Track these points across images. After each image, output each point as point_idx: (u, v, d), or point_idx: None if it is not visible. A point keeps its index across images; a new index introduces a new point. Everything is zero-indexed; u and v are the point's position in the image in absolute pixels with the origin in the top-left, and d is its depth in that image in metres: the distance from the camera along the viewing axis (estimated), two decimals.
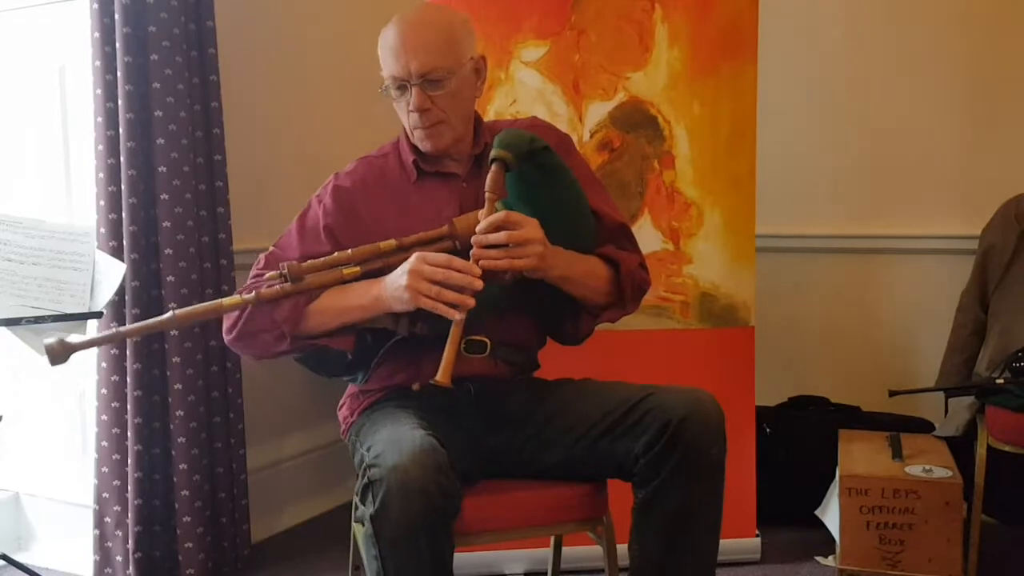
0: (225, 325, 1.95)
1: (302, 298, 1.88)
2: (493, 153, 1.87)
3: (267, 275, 1.82)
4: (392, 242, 1.87)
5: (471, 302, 1.78)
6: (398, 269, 1.84)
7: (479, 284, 1.79)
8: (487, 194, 1.85)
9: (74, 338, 1.71)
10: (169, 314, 1.74)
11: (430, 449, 1.68)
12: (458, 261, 1.80)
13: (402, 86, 1.95)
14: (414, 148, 2.04)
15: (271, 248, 2.05)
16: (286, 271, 1.79)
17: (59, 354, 1.69)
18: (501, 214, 1.83)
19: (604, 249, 2.02)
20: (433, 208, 2.01)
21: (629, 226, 2.10)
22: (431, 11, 1.99)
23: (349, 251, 1.86)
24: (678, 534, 1.84)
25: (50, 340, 1.69)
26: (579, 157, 2.16)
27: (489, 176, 1.86)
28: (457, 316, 1.78)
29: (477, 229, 1.83)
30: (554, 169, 1.93)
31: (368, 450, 1.75)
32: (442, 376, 1.75)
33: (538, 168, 1.91)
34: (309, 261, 1.84)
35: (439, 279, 1.78)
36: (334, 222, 2.00)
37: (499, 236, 1.81)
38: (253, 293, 1.79)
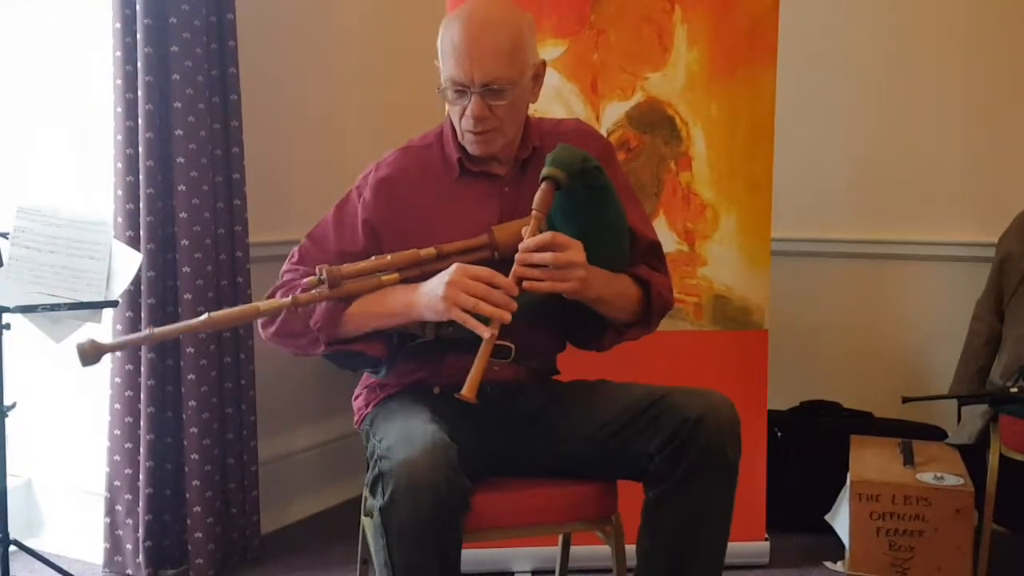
0: (262, 321, 1.94)
1: (338, 304, 1.87)
2: (545, 171, 1.83)
3: (305, 280, 1.83)
4: (432, 250, 1.86)
5: (507, 317, 1.77)
6: (436, 278, 1.82)
7: (514, 305, 1.77)
8: (534, 212, 1.82)
9: (105, 339, 1.72)
10: (204, 316, 1.75)
11: (441, 444, 1.68)
12: (499, 278, 1.79)
13: (461, 91, 1.88)
14: (460, 145, 1.99)
15: (304, 240, 2.02)
16: (324, 276, 1.79)
17: (90, 354, 1.71)
18: (548, 235, 1.81)
19: (638, 269, 2.00)
20: (473, 208, 1.98)
21: (661, 245, 2.08)
22: (499, 12, 1.89)
23: (388, 257, 1.85)
24: (688, 534, 1.83)
25: (81, 341, 1.70)
26: (620, 169, 2.12)
27: (538, 194, 1.83)
28: (487, 334, 1.76)
29: (522, 247, 1.81)
30: (602, 189, 1.90)
31: (380, 442, 1.75)
32: (468, 391, 1.74)
33: (586, 187, 1.88)
34: (347, 266, 1.83)
35: (479, 294, 1.77)
36: (373, 216, 1.97)
37: (544, 256, 1.79)
38: (290, 297, 1.79)
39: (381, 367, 2.03)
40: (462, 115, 1.91)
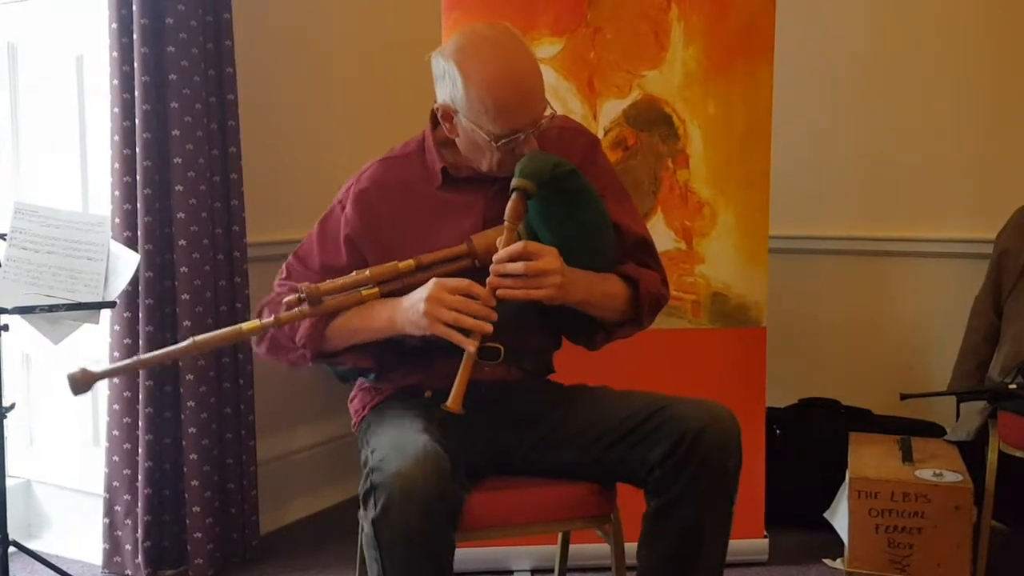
0: (254, 339, 1.97)
1: (321, 320, 1.88)
2: (514, 182, 1.83)
3: (286, 299, 1.83)
4: (411, 262, 1.86)
5: (488, 329, 1.77)
6: (415, 293, 1.83)
7: (494, 315, 1.78)
8: (506, 222, 1.83)
9: (95, 367, 1.77)
10: (188, 341, 1.77)
11: (433, 455, 1.68)
12: (477, 288, 1.79)
13: (517, 137, 1.86)
14: (443, 155, 1.99)
15: (291, 257, 2.04)
16: (304, 294, 1.79)
17: (81, 383, 1.75)
18: (519, 245, 1.81)
19: (624, 267, 1.99)
20: (456, 215, 1.97)
21: (651, 240, 2.07)
22: (523, 52, 1.88)
23: (367, 272, 1.85)
24: (689, 543, 1.84)
25: (72, 370, 1.75)
26: (606, 164, 2.11)
27: (509, 204, 1.83)
28: (471, 348, 1.77)
29: (495, 258, 1.81)
30: (577, 192, 1.89)
31: (373, 453, 1.75)
32: (453, 403, 1.75)
33: (560, 192, 1.87)
34: (327, 283, 1.83)
35: (458, 307, 1.77)
36: (354, 232, 1.98)
37: (517, 267, 1.79)
38: (272, 317, 1.81)
39: (370, 372, 2.03)
40: (505, 156, 1.88)
